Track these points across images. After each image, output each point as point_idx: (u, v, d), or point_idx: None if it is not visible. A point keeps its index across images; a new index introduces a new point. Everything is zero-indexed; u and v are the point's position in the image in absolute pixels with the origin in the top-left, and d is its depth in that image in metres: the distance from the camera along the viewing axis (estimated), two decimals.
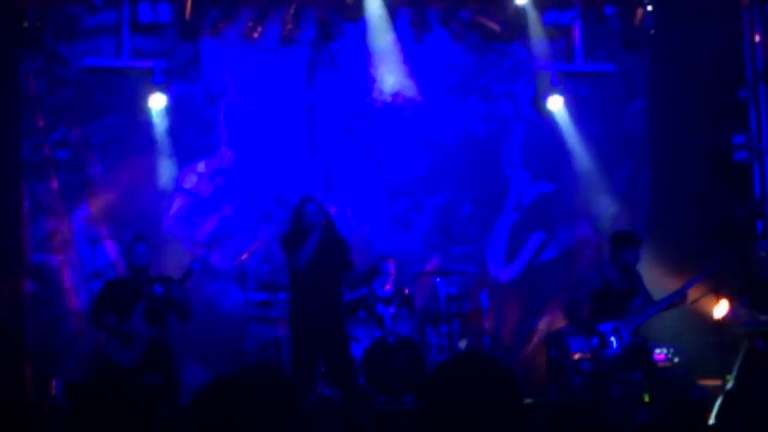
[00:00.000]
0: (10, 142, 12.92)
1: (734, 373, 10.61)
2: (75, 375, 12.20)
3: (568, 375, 12.06)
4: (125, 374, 10.66)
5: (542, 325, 13.44)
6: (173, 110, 13.38)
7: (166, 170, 13.56)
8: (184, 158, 13.52)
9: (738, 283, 11.06)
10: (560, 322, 12.96)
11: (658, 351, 11.59)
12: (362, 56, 13.89)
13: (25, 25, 12.75)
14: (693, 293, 10.93)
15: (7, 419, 4.71)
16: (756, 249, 11.51)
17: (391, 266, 12.42)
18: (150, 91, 13.17)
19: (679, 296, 10.89)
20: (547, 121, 14.05)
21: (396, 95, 14.01)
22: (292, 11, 13.48)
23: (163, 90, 13.19)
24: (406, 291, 12.54)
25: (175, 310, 11.18)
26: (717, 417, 10.43)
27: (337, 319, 10.62)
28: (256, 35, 13.52)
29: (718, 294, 11.12)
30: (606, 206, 14.12)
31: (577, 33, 14.11)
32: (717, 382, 10.80)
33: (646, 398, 10.85)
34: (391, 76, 13.98)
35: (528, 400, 11.77)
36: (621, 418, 10.49)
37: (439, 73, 14.10)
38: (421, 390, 4.21)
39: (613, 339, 10.63)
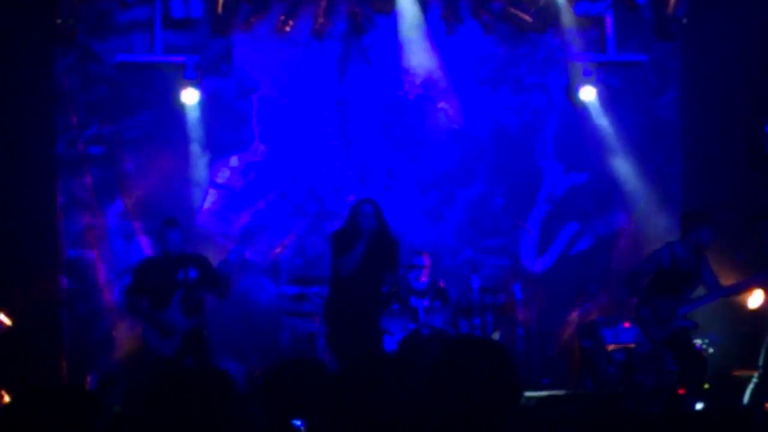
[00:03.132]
0: (45, 139, 12.97)
1: (761, 364, 10.58)
2: (111, 369, 12.30)
3: (601, 366, 12.03)
4: (164, 364, 10.81)
5: (576, 316, 13.45)
6: (206, 105, 13.41)
7: (199, 165, 13.62)
8: (217, 153, 13.58)
9: None
10: (594, 313, 12.99)
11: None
12: (394, 49, 13.87)
13: (58, 21, 12.76)
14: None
15: (44, 414, 4.79)
16: None
17: (425, 259, 12.46)
18: (183, 86, 13.21)
19: (738, 291, 10.95)
20: (579, 111, 13.99)
21: (428, 88, 13.96)
22: (323, 4, 13.46)
23: (195, 85, 13.21)
24: (440, 283, 12.55)
25: (212, 289, 11.28)
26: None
27: (374, 320, 10.87)
28: (287, 29, 13.52)
29: (755, 284, 11.09)
30: (639, 196, 14.07)
31: (609, 23, 14.05)
32: (752, 373, 10.78)
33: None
34: (423, 69, 13.94)
35: (562, 392, 11.84)
36: (654, 408, 10.54)
37: (471, 65, 14.06)
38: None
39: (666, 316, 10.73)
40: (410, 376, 5.02)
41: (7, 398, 10.96)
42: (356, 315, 10.70)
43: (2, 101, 12.60)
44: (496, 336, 12.49)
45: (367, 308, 10.79)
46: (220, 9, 12.99)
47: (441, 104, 14.04)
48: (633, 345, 11.77)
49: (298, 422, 4.92)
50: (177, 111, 13.39)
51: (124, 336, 12.42)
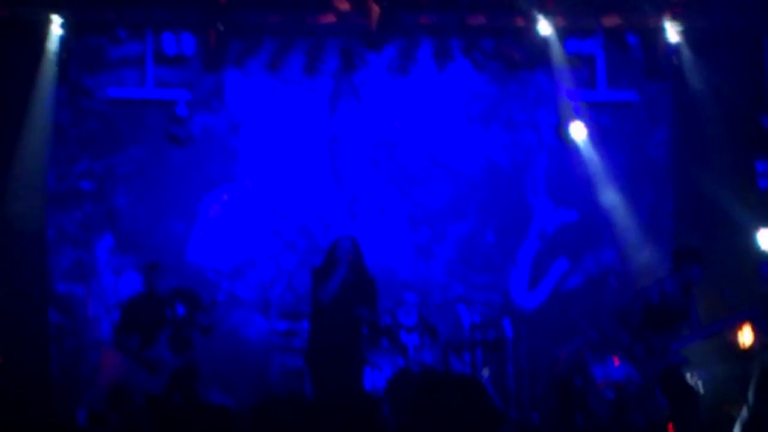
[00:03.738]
0: (35, 175, 12.93)
1: (749, 400, 10.58)
2: (98, 405, 12.17)
3: (592, 403, 11.97)
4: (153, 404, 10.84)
5: (566, 353, 13.38)
6: (197, 141, 13.43)
7: (190, 200, 13.64)
8: (208, 188, 13.61)
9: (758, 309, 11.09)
10: (584, 351, 12.94)
11: None
12: (385, 86, 13.95)
13: (51, 56, 12.76)
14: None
15: None
16: (765, 274, 11.58)
17: (413, 296, 12.44)
18: (174, 121, 13.20)
19: (727, 328, 10.96)
20: (570, 149, 13.98)
21: (418, 125, 14.02)
22: (315, 42, 13.58)
23: (186, 121, 13.24)
24: (430, 320, 12.49)
25: (200, 326, 11.33)
26: None
27: (354, 354, 10.96)
28: (279, 66, 13.61)
29: (744, 320, 11.15)
30: (630, 235, 14.07)
31: (600, 62, 14.13)
32: (741, 409, 10.80)
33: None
34: (413, 106, 14.02)
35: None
36: None
37: (461, 103, 14.15)
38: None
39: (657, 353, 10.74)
40: (389, 413, 5.07)
41: None
42: (336, 349, 10.83)
43: None
44: (486, 373, 12.48)
45: (346, 341, 10.92)
46: (212, 46, 13.01)
47: (431, 141, 14.09)
48: (624, 383, 11.71)
49: None
50: (167, 148, 13.39)
51: (113, 372, 12.23)
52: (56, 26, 12.72)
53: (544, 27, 13.24)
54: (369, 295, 11.03)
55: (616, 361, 11.99)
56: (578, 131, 13.78)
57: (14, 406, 11.79)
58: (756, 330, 11.11)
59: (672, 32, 13.60)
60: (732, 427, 10.49)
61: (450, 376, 5.18)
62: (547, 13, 13.20)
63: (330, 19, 13.20)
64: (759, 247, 12.98)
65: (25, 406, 11.98)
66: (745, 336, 11.15)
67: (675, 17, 13.53)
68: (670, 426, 10.55)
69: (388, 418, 11.20)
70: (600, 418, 11.88)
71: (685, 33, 13.67)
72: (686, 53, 13.77)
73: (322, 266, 11.05)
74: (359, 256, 11.00)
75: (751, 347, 11.04)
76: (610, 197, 14.07)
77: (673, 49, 13.75)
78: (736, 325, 11.09)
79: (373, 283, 11.08)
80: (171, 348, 11.21)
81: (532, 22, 13.26)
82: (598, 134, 14.02)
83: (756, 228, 13.18)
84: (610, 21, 13.68)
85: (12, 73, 12.82)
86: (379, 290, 11.24)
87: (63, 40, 12.85)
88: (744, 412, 10.51)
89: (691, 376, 11.42)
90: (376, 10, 12.84)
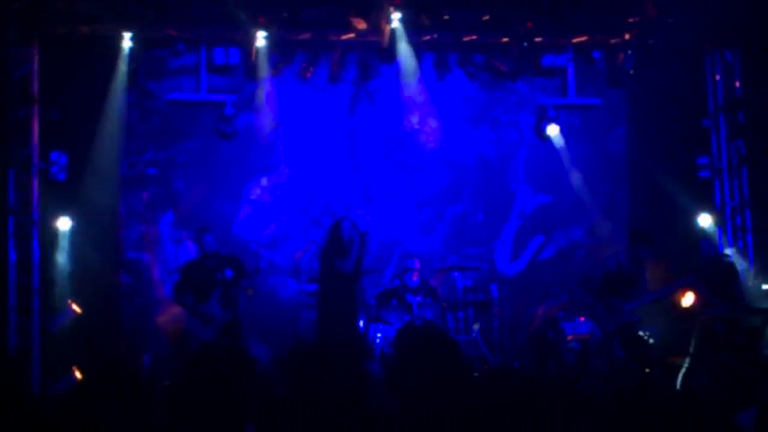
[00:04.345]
0: (108, 161, 12.93)
1: (691, 351, 10.64)
2: (161, 350, 12.28)
3: (562, 352, 11.95)
4: (206, 350, 10.84)
5: (541, 312, 13.28)
6: (241, 135, 13.42)
7: (237, 185, 13.69)
8: (250, 175, 13.63)
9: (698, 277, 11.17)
10: (556, 310, 12.85)
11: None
12: (395, 92, 13.87)
13: (121, 66, 12.77)
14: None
15: (102, 391, 4.85)
16: (703, 248, 11.66)
17: (417, 263, 12.42)
18: (223, 119, 13.23)
19: (672, 292, 11.06)
20: (545, 145, 14.04)
21: (422, 123, 14.03)
22: (338, 55, 13.58)
23: (233, 119, 13.28)
24: (431, 283, 12.52)
25: (243, 286, 11.45)
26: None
27: (355, 310, 11.47)
28: (309, 75, 13.60)
29: (686, 286, 11.22)
30: (593, 215, 14.14)
31: (570, 73, 14.12)
32: (684, 359, 10.82)
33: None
34: (418, 109, 14.00)
35: (529, 374, 11.91)
36: (603, 391, 10.57)
37: (457, 106, 14.15)
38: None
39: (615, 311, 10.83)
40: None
41: (78, 375, 11.04)
42: (348, 305, 11.19)
43: (81, 144, 12.67)
44: (476, 327, 12.47)
45: (354, 298, 11.42)
46: (254, 57, 13.03)
47: (432, 137, 14.09)
48: (588, 336, 11.73)
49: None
50: (217, 141, 13.42)
51: (174, 323, 12.29)
52: (127, 41, 12.71)
53: (525, 44, 13.22)
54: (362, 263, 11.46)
55: (582, 319, 11.98)
56: (552, 130, 13.87)
57: (92, 353, 11.85)
58: (696, 294, 11.14)
59: (629, 49, 13.70)
60: (676, 374, 10.63)
61: (427, 332, 5.29)
62: (527, 33, 13.22)
63: (350, 36, 13.17)
64: (698, 226, 13.08)
65: (101, 353, 12.00)
66: (687, 299, 11.15)
67: (631, 37, 13.57)
68: (626, 372, 10.65)
69: (375, 353, 11.39)
70: (568, 364, 11.83)
71: (640, 50, 13.75)
72: (640, 66, 13.84)
73: (330, 245, 11.26)
74: (360, 233, 11.29)
75: (692, 308, 11.09)
76: (578, 183, 14.10)
77: (630, 63, 13.82)
78: (680, 290, 11.14)
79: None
80: (220, 305, 11.33)
81: (516, 40, 13.28)
82: (568, 132, 14.09)
83: (696, 210, 13.27)
84: (579, 40, 13.71)
85: (91, 80, 12.79)
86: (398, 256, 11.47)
87: (132, 53, 12.80)
88: (686, 362, 10.65)
89: (643, 331, 11.51)
90: (387, 29, 12.84)
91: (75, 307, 11.91)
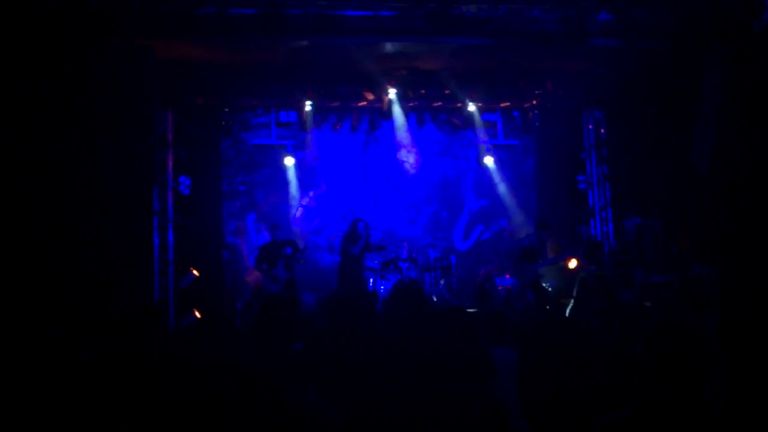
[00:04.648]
0: (215, 182, 13.08)
1: (574, 296, 10.72)
2: (248, 299, 12.27)
3: (494, 298, 12.00)
4: (274, 297, 10.87)
5: (482, 272, 13.21)
6: (297, 166, 13.51)
7: (294, 196, 13.69)
8: (302, 189, 13.67)
9: (578, 249, 11.26)
10: (491, 271, 12.88)
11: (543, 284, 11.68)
12: (391, 137, 13.91)
13: (223, 123, 13.02)
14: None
15: (212, 325, 4.88)
16: (582, 232, 11.74)
17: (405, 244, 12.52)
18: (285, 156, 13.36)
19: (562, 259, 11.16)
20: (485, 170, 14.09)
21: (408, 157, 14.10)
22: (356, 115, 13.66)
23: (292, 156, 13.40)
24: (414, 255, 12.61)
25: (298, 258, 11.54)
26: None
27: (364, 276, 11.70)
28: (338, 127, 13.67)
29: (571, 255, 11.33)
30: (514, 212, 14.18)
31: (499, 124, 14.16)
32: (570, 300, 10.85)
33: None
34: (406, 147, 14.06)
35: (474, 310, 11.90)
36: (521, 320, 10.72)
37: (430, 145, 14.19)
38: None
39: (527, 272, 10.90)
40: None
41: (198, 315, 11.12)
42: (357, 271, 11.41)
43: (198, 171, 12.74)
44: (442, 282, 12.47)
45: (361, 267, 11.61)
46: (304, 117, 13.10)
47: (416, 165, 14.10)
48: (511, 287, 11.81)
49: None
50: (282, 169, 13.48)
51: (255, 282, 12.33)
52: (227, 108, 12.88)
53: (471, 107, 13.32)
54: (369, 247, 11.71)
55: (508, 276, 12.04)
56: (488, 160, 13.96)
57: (205, 301, 11.87)
58: (578, 260, 11.21)
59: (536, 110, 13.80)
60: (565, 309, 10.72)
61: (411, 286, 5.41)
62: (473, 100, 13.30)
63: (363, 103, 13.23)
64: (579, 218, 13.16)
65: (211, 301, 12.06)
66: (572, 263, 11.25)
67: (537, 102, 13.64)
68: (535, 309, 10.78)
69: (378, 306, 11.43)
70: (498, 304, 11.84)
71: (543, 110, 13.83)
72: (543, 120, 13.92)
73: (348, 235, 11.50)
74: (368, 229, 11.50)
75: (575, 269, 11.18)
76: (504, 193, 14.17)
77: (536, 118, 13.91)
78: (567, 258, 11.25)
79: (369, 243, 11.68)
80: (284, 269, 11.41)
81: (465, 105, 13.36)
82: (498, 161, 14.11)
83: (577, 208, 13.40)
84: (504, 104, 13.78)
85: (205, 132, 12.92)
86: (373, 247, 11.77)
87: (230, 115, 12.99)
88: (571, 302, 10.75)
89: (545, 283, 11.61)
90: (386, 99, 12.92)
91: (195, 272, 11.98)
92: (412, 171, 14.14)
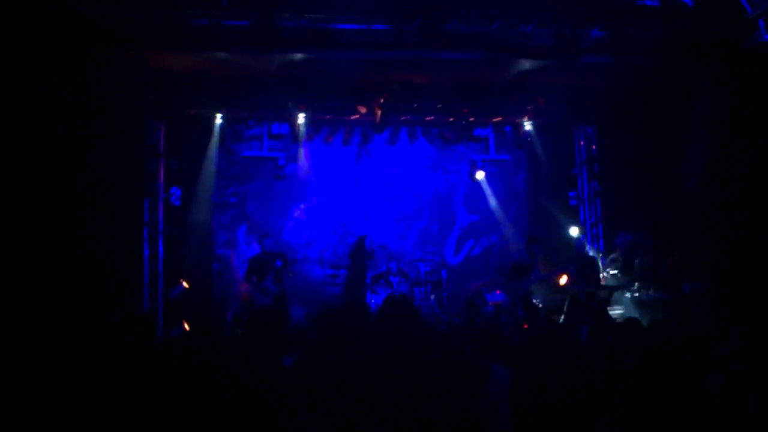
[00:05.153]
0: (206, 193, 12.97)
1: (565, 311, 10.69)
2: (237, 311, 12.10)
3: (483, 312, 11.95)
4: (264, 311, 10.74)
5: (473, 287, 13.28)
6: (288, 178, 13.43)
7: (285, 208, 13.57)
8: (293, 201, 13.57)
9: (569, 266, 11.22)
10: (481, 286, 12.86)
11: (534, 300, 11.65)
12: (383, 151, 13.93)
13: (215, 134, 12.90)
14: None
15: (200, 338, 4.87)
16: (575, 248, 11.73)
17: (396, 258, 12.55)
18: (277, 169, 13.31)
19: (553, 275, 11.12)
20: (476, 184, 14.08)
21: (400, 170, 14.02)
22: (348, 128, 13.64)
23: (284, 168, 13.33)
24: (404, 269, 12.58)
25: (288, 271, 11.49)
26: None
27: (364, 290, 11.50)
28: (330, 140, 13.62)
29: (562, 272, 11.31)
30: (505, 227, 14.13)
31: (491, 139, 14.19)
32: (560, 316, 10.82)
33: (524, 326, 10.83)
34: (397, 160, 14.00)
35: (463, 325, 11.88)
36: (511, 335, 10.61)
37: (421, 160, 14.13)
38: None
39: (518, 287, 10.87)
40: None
41: (186, 326, 11.04)
42: (358, 285, 11.29)
43: (190, 182, 12.69)
44: (432, 297, 12.43)
45: (361, 282, 11.44)
46: (296, 129, 13.09)
47: (406, 178, 14.03)
48: (500, 302, 11.71)
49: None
50: (274, 180, 13.42)
51: (244, 294, 12.12)
52: (218, 119, 12.86)
53: (465, 122, 13.35)
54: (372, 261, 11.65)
55: (498, 291, 11.97)
56: (479, 174, 13.96)
57: (194, 312, 11.81)
58: (568, 277, 11.18)
59: (527, 125, 13.81)
60: (556, 326, 10.66)
61: (401, 300, 5.39)
62: (465, 115, 13.31)
63: (356, 116, 13.21)
64: (570, 234, 13.16)
65: (199, 312, 11.97)
66: (562, 279, 11.19)
67: (529, 118, 13.70)
68: (525, 326, 10.70)
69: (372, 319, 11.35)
70: (487, 319, 11.74)
71: (534, 126, 13.85)
72: (534, 135, 13.93)
73: (355, 250, 11.41)
74: (372, 246, 11.51)
75: (565, 286, 11.15)
76: (495, 208, 14.14)
77: (527, 134, 13.93)
78: (558, 274, 11.20)
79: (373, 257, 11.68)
80: (273, 282, 11.29)
81: (459, 119, 13.34)
82: (489, 176, 14.11)
83: (568, 224, 13.37)
84: (496, 119, 13.80)
85: (196, 143, 12.82)
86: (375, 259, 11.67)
87: (222, 126, 12.95)
88: (562, 318, 10.71)
89: (535, 299, 11.60)
90: (378, 113, 12.93)
91: (185, 283, 11.91)
92: (403, 185, 13.97)
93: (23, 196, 8.74)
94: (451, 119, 13.46)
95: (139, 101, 9.80)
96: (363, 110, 12.97)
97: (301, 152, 13.42)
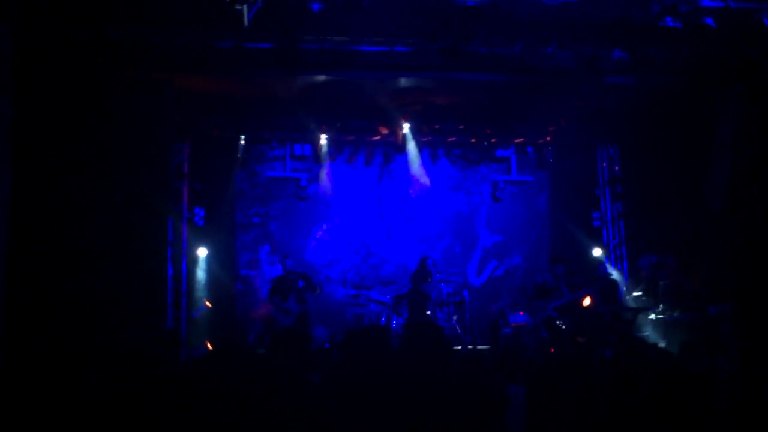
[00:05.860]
0: (229, 214, 13.10)
1: (588, 334, 10.56)
2: (260, 331, 12.03)
3: (504, 333, 11.80)
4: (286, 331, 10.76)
5: (495, 308, 12.93)
6: (311, 198, 13.49)
7: (307, 228, 13.57)
8: (316, 222, 13.62)
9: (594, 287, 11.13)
10: (505, 307, 12.53)
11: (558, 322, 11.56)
12: (405, 171, 13.93)
13: (239, 155, 13.08)
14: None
15: (223, 358, 4.86)
16: (598, 270, 11.64)
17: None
18: (299, 189, 13.38)
19: (576, 297, 11.05)
20: (498, 205, 14.07)
21: (422, 191, 14.04)
22: (370, 149, 13.71)
23: (307, 189, 13.39)
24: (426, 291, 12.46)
25: (311, 291, 11.42)
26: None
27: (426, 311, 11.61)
28: (352, 161, 13.72)
29: (586, 294, 11.19)
30: (528, 248, 14.10)
31: (513, 160, 14.19)
32: (584, 338, 10.71)
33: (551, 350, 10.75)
34: (419, 181, 14.01)
35: (485, 347, 11.83)
36: (534, 356, 10.59)
37: (443, 180, 14.15)
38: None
39: (541, 309, 10.80)
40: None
41: (209, 346, 11.08)
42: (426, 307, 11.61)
43: (213, 202, 12.76)
44: (455, 318, 12.34)
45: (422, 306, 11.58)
46: (319, 150, 13.18)
47: (428, 199, 14.02)
48: (524, 324, 11.65)
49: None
50: (296, 201, 13.46)
51: (267, 315, 12.13)
52: (242, 140, 12.98)
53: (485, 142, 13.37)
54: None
55: (521, 313, 11.88)
56: (502, 195, 13.91)
57: (217, 332, 11.95)
58: (592, 298, 11.10)
59: (550, 146, 13.79)
60: (582, 349, 10.56)
61: (423, 321, 5.36)
62: (487, 136, 13.33)
63: (378, 137, 13.34)
64: (593, 256, 13.08)
65: (222, 333, 12.08)
66: (586, 301, 11.10)
67: (551, 139, 13.70)
68: (552, 349, 10.60)
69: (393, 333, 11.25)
70: (510, 341, 11.64)
71: (557, 146, 13.85)
72: (557, 157, 13.92)
73: (418, 272, 11.62)
74: (436, 266, 11.75)
75: (589, 307, 11.05)
76: (518, 229, 14.10)
77: (550, 155, 13.91)
78: (583, 296, 11.10)
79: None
80: (296, 302, 11.34)
81: (481, 140, 13.35)
82: (511, 197, 14.10)
83: (591, 246, 13.31)
84: (518, 140, 13.83)
85: (220, 164, 12.96)
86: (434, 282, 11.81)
87: (245, 147, 13.07)
88: (585, 340, 10.57)
89: (559, 321, 11.50)
90: (401, 133, 13.01)
91: (207, 303, 12.00)
92: (426, 206, 13.97)
93: (48, 215, 8.85)
94: (473, 140, 13.49)
95: (164, 122, 9.91)
96: (385, 131, 13.06)
97: (324, 173, 13.50)
